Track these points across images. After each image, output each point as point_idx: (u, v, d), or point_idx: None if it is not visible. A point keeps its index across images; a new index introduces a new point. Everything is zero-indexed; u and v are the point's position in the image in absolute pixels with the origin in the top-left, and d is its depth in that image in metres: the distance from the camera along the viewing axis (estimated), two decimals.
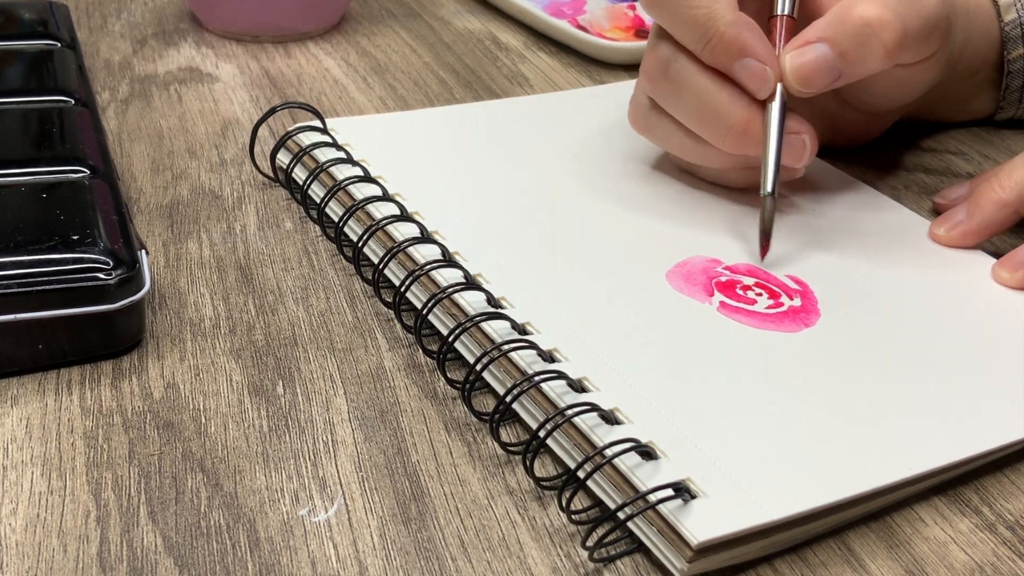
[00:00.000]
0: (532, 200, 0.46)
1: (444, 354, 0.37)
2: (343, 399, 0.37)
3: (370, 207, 0.43)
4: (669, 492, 0.31)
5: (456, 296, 0.38)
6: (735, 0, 0.42)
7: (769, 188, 0.42)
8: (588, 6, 0.67)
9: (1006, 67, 0.52)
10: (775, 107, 0.42)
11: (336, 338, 0.40)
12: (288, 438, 0.35)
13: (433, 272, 0.40)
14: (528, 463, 0.34)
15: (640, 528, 0.31)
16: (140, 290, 0.38)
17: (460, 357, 0.38)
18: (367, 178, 0.45)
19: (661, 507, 0.30)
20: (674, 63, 0.43)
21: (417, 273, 0.39)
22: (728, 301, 0.40)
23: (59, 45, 0.55)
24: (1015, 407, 0.36)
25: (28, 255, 0.37)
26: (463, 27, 0.67)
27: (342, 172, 0.45)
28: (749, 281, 0.41)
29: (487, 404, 0.37)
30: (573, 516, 0.32)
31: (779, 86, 0.42)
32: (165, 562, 0.31)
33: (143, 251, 0.39)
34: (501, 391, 0.36)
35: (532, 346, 0.36)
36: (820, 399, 0.35)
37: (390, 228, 0.42)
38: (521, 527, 0.32)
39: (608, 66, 0.62)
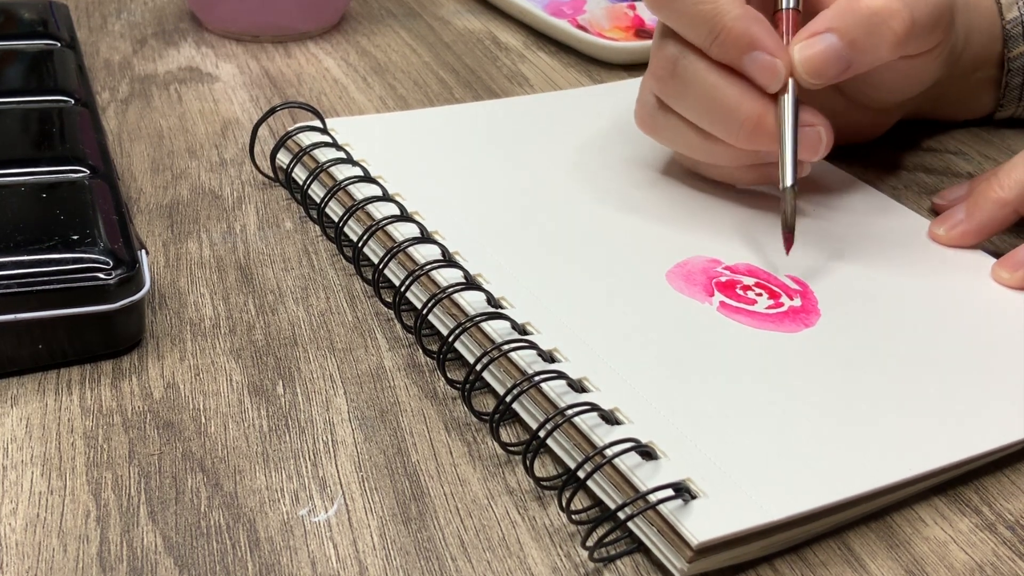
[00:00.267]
0: (532, 200, 0.46)
1: (444, 354, 0.37)
2: (343, 399, 0.37)
3: (370, 207, 0.43)
4: (669, 492, 0.31)
5: (456, 296, 0.38)
6: None
7: (789, 181, 0.41)
8: (588, 6, 0.67)
9: (1006, 65, 0.52)
10: (788, 100, 0.42)
11: (336, 338, 0.40)
12: (288, 438, 0.35)
13: (433, 272, 0.40)
14: (528, 463, 0.34)
15: (640, 528, 0.31)
16: (140, 290, 0.38)
17: (460, 357, 0.38)
18: (367, 178, 0.45)
19: (661, 507, 0.30)
20: (682, 61, 0.43)
21: (417, 273, 0.39)
22: (728, 301, 0.40)
23: (59, 45, 0.55)
24: (1015, 407, 0.36)
25: (28, 255, 0.37)
26: (463, 27, 0.67)
27: (342, 172, 0.45)
28: (749, 281, 0.41)
29: (487, 404, 0.37)
30: (573, 516, 0.32)
31: (790, 79, 0.42)
32: (165, 562, 0.31)
33: (143, 251, 0.39)
34: (501, 391, 0.36)
35: (532, 346, 0.36)
36: (820, 399, 0.35)
37: (390, 228, 0.42)
38: (521, 527, 0.32)
39: (608, 66, 0.62)
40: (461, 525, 0.32)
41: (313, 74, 0.60)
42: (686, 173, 0.48)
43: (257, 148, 0.50)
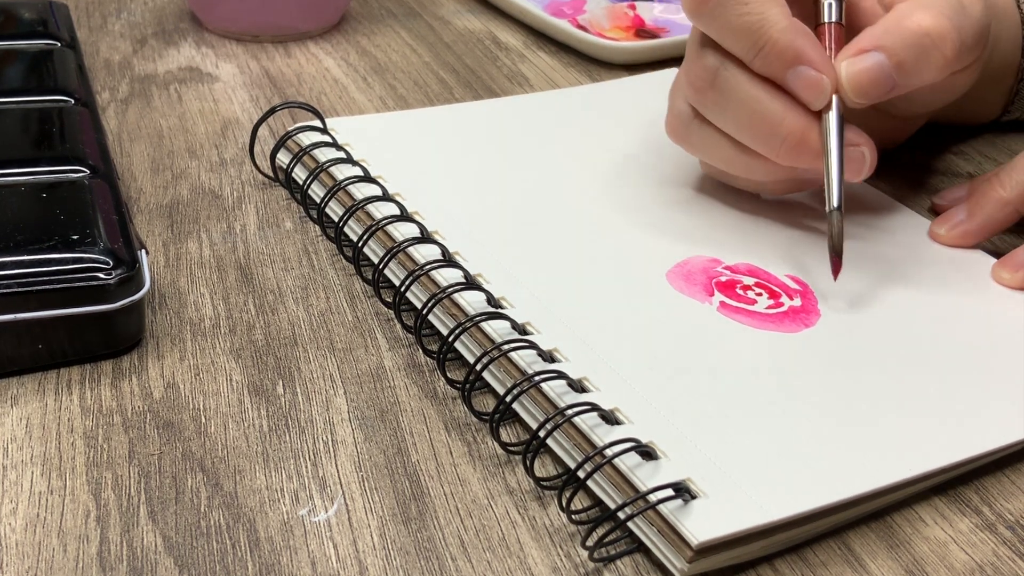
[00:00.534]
0: (532, 200, 0.46)
1: (444, 354, 0.37)
2: (343, 399, 0.37)
3: (370, 207, 0.43)
4: (669, 492, 0.31)
5: (456, 296, 0.38)
6: (787, 6, 0.40)
7: (836, 203, 0.40)
8: (588, 6, 0.67)
9: (1020, 73, 0.52)
10: (832, 117, 0.40)
11: (336, 338, 0.40)
12: (288, 438, 0.35)
13: (433, 272, 0.40)
14: (528, 463, 0.34)
15: (640, 528, 0.31)
16: (140, 290, 0.38)
17: (460, 357, 0.38)
18: (367, 178, 0.45)
19: (661, 507, 0.30)
20: (722, 72, 0.41)
21: (417, 273, 0.39)
22: (728, 301, 0.40)
23: (59, 45, 0.55)
24: (1015, 407, 0.36)
25: (28, 255, 0.37)
26: (463, 27, 0.67)
27: (342, 172, 0.45)
28: (749, 281, 0.41)
29: (487, 404, 0.37)
30: (573, 516, 0.32)
31: (834, 96, 0.40)
32: (165, 562, 0.31)
33: (143, 251, 0.39)
34: (501, 391, 0.36)
35: (532, 346, 0.36)
36: (820, 399, 0.35)
37: (390, 228, 0.42)
38: (521, 527, 0.32)
39: (608, 66, 0.62)
40: (461, 525, 0.32)
41: (313, 74, 0.60)
42: (684, 173, 0.48)
43: (257, 148, 0.50)
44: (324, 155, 0.47)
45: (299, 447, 0.35)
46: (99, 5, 0.68)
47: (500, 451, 0.35)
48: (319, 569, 0.31)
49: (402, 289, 0.39)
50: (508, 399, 0.35)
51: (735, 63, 0.41)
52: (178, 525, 0.32)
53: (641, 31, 0.65)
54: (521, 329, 0.37)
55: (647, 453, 0.32)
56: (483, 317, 0.37)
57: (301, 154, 0.47)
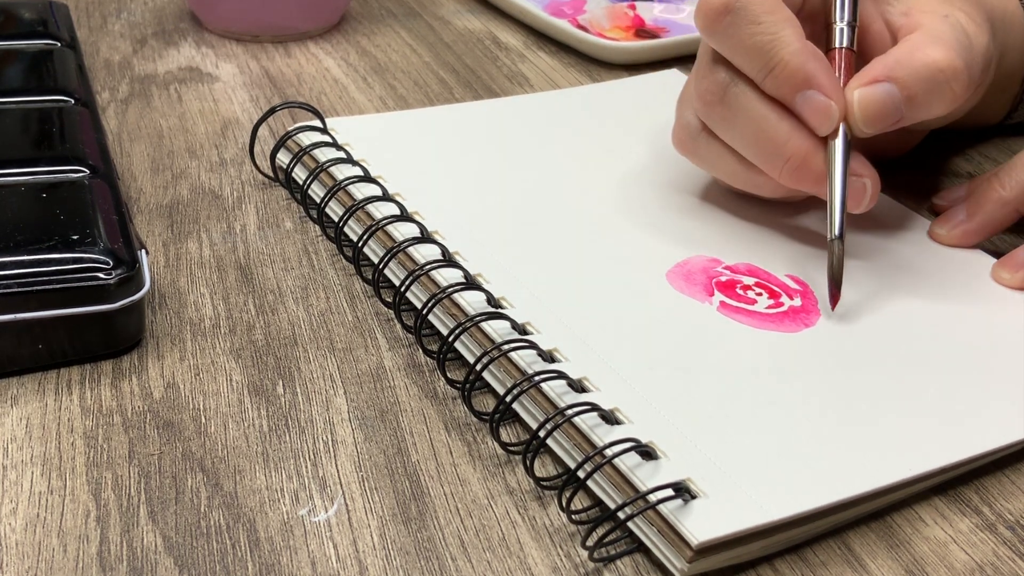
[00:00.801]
0: (532, 200, 0.46)
1: (444, 354, 0.37)
2: (343, 399, 0.37)
3: (370, 207, 0.43)
4: (669, 492, 0.31)
5: (456, 296, 0.38)
6: (800, 28, 0.40)
7: (837, 232, 0.40)
8: (588, 6, 0.67)
9: None
10: (839, 145, 0.40)
11: (336, 338, 0.40)
12: (288, 438, 0.35)
13: (433, 272, 0.40)
14: (528, 463, 0.34)
15: (640, 528, 0.31)
16: (140, 290, 0.38)
17: (460, 357, 0.38)
18: (367, 178, 0.45)
19: (661, 507, 0.30)
20: (732, 88, 0.41)
21: (417, 273, 0.39)
22: (728, 301, 0.40)
23: (59, 45, 0.55)
24: (1015, 407, 0.36)
25: (28, 255, 0.37)
26: (463, 27, 0.67)
27: (342, 172, 0.45)
28: (749, 281, 0.41)
29: (487, 404, 0.37)
30: (573, 516, 0.32)
31: (841, 124, 0.40)
32: (165, 562, 0.31)
33: (143, 251, 0.39)
34: (501, 391, 0.36)
35: (532, 346, 0.36)
36: (820, 399, 0.35)
37: (390, 228, 0.42)
38: (521, 527, 0.32)
39: (608, 66, 0.62)
40: (461, 525, 0.32)
41: (313, 74, 0.60)
42: (684, 172, 0.48)
43: (257, 148, 0.50)
44: (324, 155, 0.47)
45: (299, 447, 0.35)
46: (99, 5, 0.68)
47: (500, 451, 0.35)
48: (319, 569, 0.31)
49: (402, 289, 0.39)
50: (508, 399, 0.35)
51: (745, 80, 0.41)
52: (178, 525, 0.32)
53: (641, 31, 0.65)
54: (521, 329, 0.37)
55: (647, 453, 0.32)
56: (483, 317, 0.37)
57: (301, 154, 0.47)
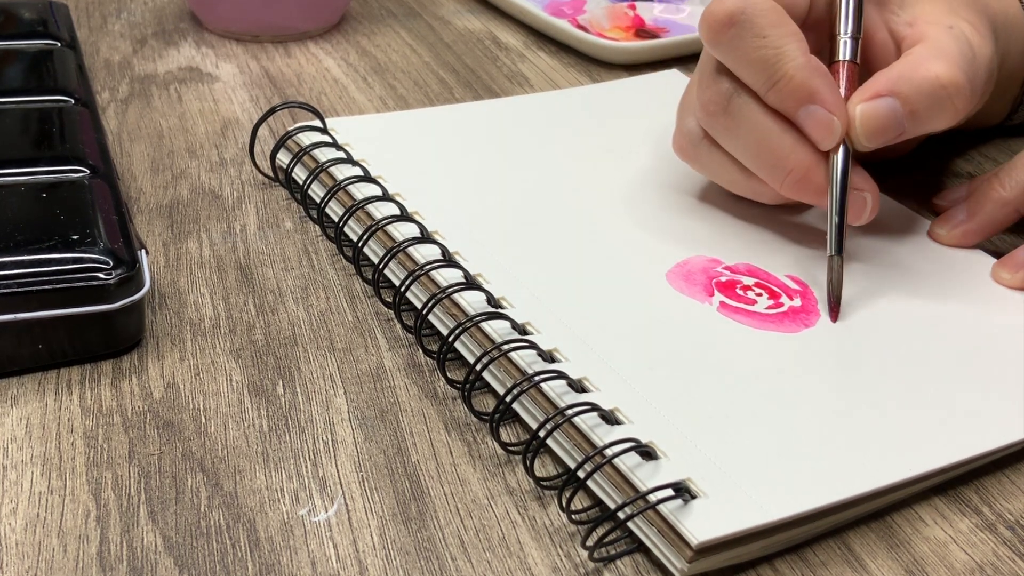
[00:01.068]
0: (532, 200, 0.46)
1: (444, 354, 0.37)
2: (343, 399, 0.37)
3: (370, 207, 0.43)
4: (669, 492, 0.31)
5: (456, 296, 0.38)
6: (805, 42, 0.40)
7: (836, 249, 0.40)
8: (588, 6, 0.67)
9: None
10: (839, 159, 0.40)
11: (336, 338, 0.40)
12: (288, 438, 0.35)
13: (433, 272, 0.40)
14: (528, 463, 0.34)
15: (640, 528, 0.31)
16: (140, 290, 0.38)
17: (460, 357, 0.38)
18: (367, 178, 0.45)
19: (661, 507, 0.30)
20: (736, 99, 0.41)
21: (417, 273, 0.39)
22: (728, 301, 0.40)
23: (59, 45, 0.55)
24: (1015, 407, 0.36)
25: (28, 255, 0.37)
26: (463, 27, 0.67)
27: (342, 172, 0.45)
28: (749, 281, 0.41)
29: (487, 404, 0.37)
30: (573, 516, 0.32)
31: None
32: (165, 562, 0.31)
33: (143, 251, 0.39)
34: (501, 391, 0.36)
35: (532, 346, 0.36)
36: (820, 399, 0.35)
37: (390, 228, 0.42)
38: (521, 527, 0.32)
39: (608, 66, 0.62)
40: (461, 525, 0.32)
41: (313, 74, 0.60)
42: (683, 172, 0.48)
43: (257, 148, 0.50)
44: (324, 155, 0.47)
45: (299, 447, 0.35)
46: (99, 5, 0.68)
47: (500, 451, 0.35)
48: (319, 569, 0.31)
49: (402, 289, 0.39)
50: (508, 399, 0.35)
51: (749, 92, 0.41)
52: (178, 525, 0.32)
53: (641, 31, 0.65)
54: (521, 329, 0.37)
55: (647, 453, 0.32)
56: (483, 317, 0.37)
57: (301, 154, 0.47)
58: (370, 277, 0.42)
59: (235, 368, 0.38)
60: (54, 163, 0.43)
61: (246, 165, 0.50)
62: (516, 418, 0.36)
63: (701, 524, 0.30)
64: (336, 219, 0.44)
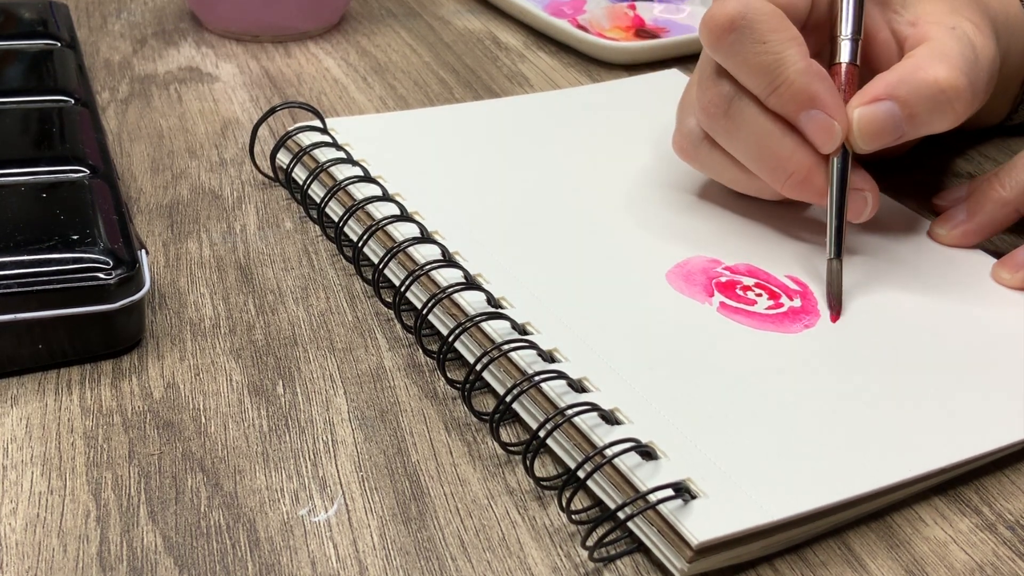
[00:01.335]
0: (532, 200, 0.46)
1: (444, 354, 0.37)
2: (343, 399, 0.37)
3: (370, 207, 0.43)
4: (669, 492, 0.31)
5: (456, 296, 0.38)
6: (805, 46, 0.40)
7: (835, 253, 0.40)
8: (588, 6, 0.67)
9: None
10: (838, 163, 0.41)
11: (336, 338, 0.40)
12: (288, 438, 0.35)
13: (433, 272, 0.40)
14: (528, 463, 0.34)
15: (640, 528, 0.31)
16: (140, 290, 0.38)
17: (460, 357, 0.38)
18: (367, 178, 0.45)
19: (661, 507, 0.30)
20: (736, 102, 0.41)
21: (417, 273, 0.39)
22: (728, 302, 0.40)
23: (59, 45, 0.55)
24: (1015, 407, 0.36)
25: (28, 255, 0.37)
26: (463, 27, 0.67)
27: (342, 172, 0.45)
28: (749, 282, 0.41)
29: (487, 404, 0.37)
30: (573, 516, 0.32)
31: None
32: (165, 562, 0.31)
33: (143, 251, 0.39)
34: (501, 391, 0.36)
35: (532, 346, 0.36)
36: (820, 399, 0.35)
37: (390, 228, 0.42)
38: (521, 527, 0.32)
39: (608, 66, 0.62)
40: (461, 525, 0.32)
41: (313, 74, 0.60)
42: (683, 172, 0.48)
43: (257, 148, 0.50)
44: (324, 155, 0.47)
45: (299, 447, 0.35)
46: (99, 5, 0.68)
47: (500, 451, 0.35)
48: (319, 569, 0.31)
49: (402, 289, 0.39)
50: (508, 399, 0.35)
51: (749, 95, 0.41)
52: (178, 525, 0.32)
53: (641, 31, 0.65)
54: (521, 329, 0.37)
55: (647, 453, 0.32)
56: (483, 317, 0.37)
57: (301, 154, 0.47)
58: (370, 277, 0.42)
59: (235, 368, 0.38)
60: (54, 163, 0.43)
61: (246, 165, 0.50)
62: (516, 418, 0.36)
63: (701, 524, 0.30)
64: (336, 219, 0.44)
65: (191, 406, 0.36)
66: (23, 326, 0.36)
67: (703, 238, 0.44)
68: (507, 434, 0.36)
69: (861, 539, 0.33)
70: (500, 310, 0.38)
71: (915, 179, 0.52)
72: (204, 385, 0.37)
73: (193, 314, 0.40)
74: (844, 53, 0.42)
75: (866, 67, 0.43)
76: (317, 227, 0.46)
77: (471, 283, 0.39)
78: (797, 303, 0.40)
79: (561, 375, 0.35)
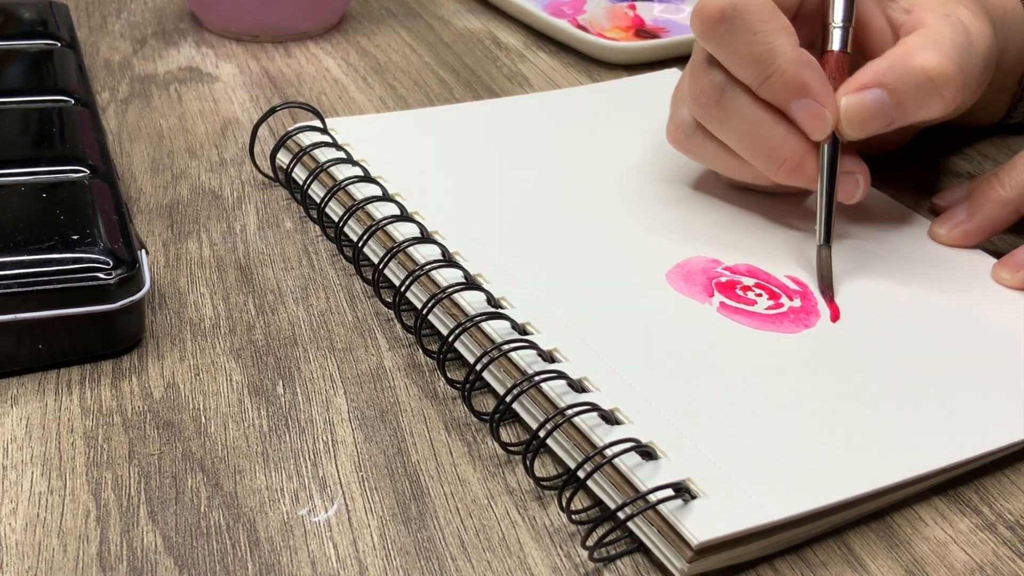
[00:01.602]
0: (532, 200, 0.46)
1: (444, 354, 0.37)
2: (343, 399, 0.37)
3: (370, 207, 0.43)
4: (669, 492, 0.31)
5: (456, 296, 0.38)
6: (796, 36, 0.41)
7: (823, 239, 0.41)
8: (588, 6, 0.67)
9: None
10: (827, 151, 0.41)
11: (336, 338, 0.40)
12: (288, 438, 0.35)
13: (433, 272, 0.40)
14: (528, 463, 0.34)
15: (640, 528, 0.31)
16: (140, 290, 0.38)
17: (460, 357, 0.38)
18: (367, 178, 0.45)
19: (661, 507, 0.30)
20: (728, 91, 0.41)
21: (417, 273, 0.39)
22: (728, 302, 0.40)
23: (59, 45, 0.55)
24: (1015, 407, 0.36)
25: (28, 255, 0.37)
26: (463, 27, 0.67)
27: (342, 172, 0.45)
28: (749, 282, 0.41)
29: (487, 404, 0.37)
30: (573, 516, 0.32)
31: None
32: (165, 562, 0.31)
33: (143, 251, 0.39)
34: (501, 391, 0.36)
35: (532, 346, 0.36)
36: (820, 399, 0.35)
37: (390, 228, 0.42)
38: (521, 527, 0.32)
39: (608, 66, 0.62)
40: (461, 525, 0.32)
41: (313, 74, 0.60)
42: (688, 174, 0.48)
43: (257, 148, 0.50)
44: (324, 155, 0.47)
45: (299, 447, 0.35)
46: (99, 5, 0.68)
47: (500, 451, 0.35)
48: (319, 569, 0.31)
49: (402, 289, 0.39)
50: (508, 399, 0.35)
51: (741, 84, 0.41)
52: (178, 525, 0.32)
53: (641, 31, 0.65)
54: (521, 329, 0.37)
55: (647, 453, 0.32)
56: (483, 317, 0.37)
57: (301, 154, 0.47)
58: (370, 277, 0.42)
59: (235, 368, 0.38)
60: (54, 163, 0.43)
61: (246, 165, 0.50)
62: (516, 418, 0.36)
63: (701, 524, 0.30)
64: (336, 219, 0.44)
65: (191, 406, 0.36)
66: (23, 326, 0.36)
67: (703, 238, 0.44)
68: (507, 434, 0.36)
69: (861, 539, 0.33)
70: (500, 310, 0.38)
71: (914, 179, 0.52)
72: (204, 385, 0.37)
73: (193, 314, 0.40)
74: (834, 41, 0.43)
75: (861, 56, 0.43)
76: (317, 227, 0.46)
77: (471, 283, 0.39)
78: (797, 303, 0.40)
79: (561, 375, 0.35)
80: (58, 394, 0.36)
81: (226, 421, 0.36)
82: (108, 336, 0.38)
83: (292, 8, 0.63)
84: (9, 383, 0.37)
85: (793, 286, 0.41)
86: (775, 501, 0.31)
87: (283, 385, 0.37)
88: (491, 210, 0.44)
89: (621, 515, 0.31)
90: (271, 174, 0.49)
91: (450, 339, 0.37)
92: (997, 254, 0.44)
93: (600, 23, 0.66)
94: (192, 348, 0.39)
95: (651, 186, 0.47)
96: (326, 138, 0.48)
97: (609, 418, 0.33)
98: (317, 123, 0.49)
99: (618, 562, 0.31)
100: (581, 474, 0.32)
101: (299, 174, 0.47)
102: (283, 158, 0.49)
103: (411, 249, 0.41)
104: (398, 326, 0.40)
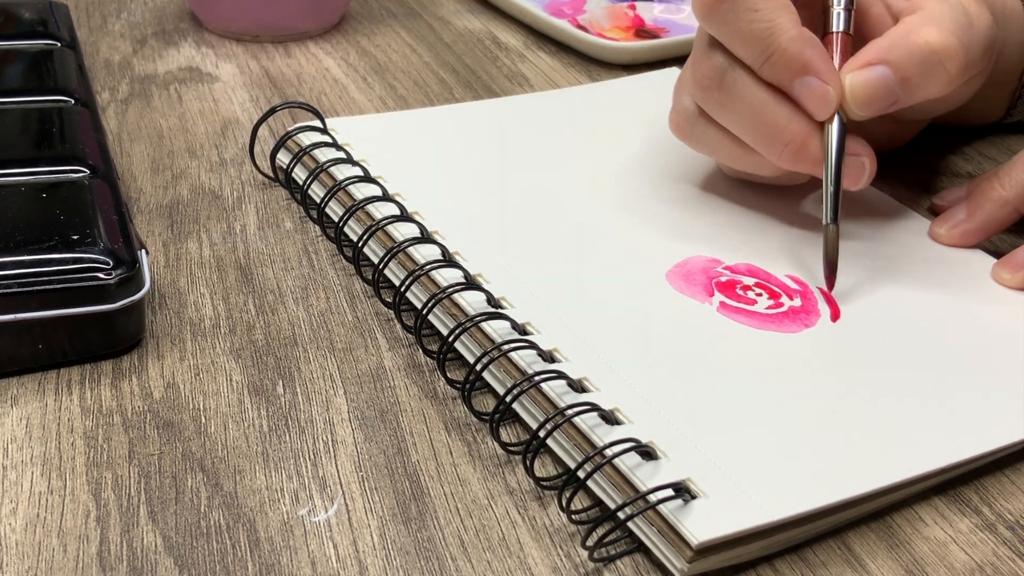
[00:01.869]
0: (532, 200, 0.46)
1: (444, 354, 0.37)
2: (343, 399, 0.37)
3: (370, 207, 0.43)
4: (669, 492, 0.31)
5: (456, 296, 0.38)
6: (797, 14, 0.40)
7: (831, 218, 0.41)
8: (588, 6, 0.67)
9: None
10: (834, 129, 0.41)
11: (336, 338, 0.40)
12: (288, 438, 0.35)
13: (433, 272, 0.40)
14: (528, 463, 0.34)
15: (640, 528, 0.31)
16: (140, 290, 0.38)
17: (460, 357, 0.38)
18: (367, 178, 0.45)
19: (661, 507, 0.30)
20: (730, 73, 0.41)
21: (417, 273, 0.39)
22: (728, 301, 0.40)
23: (59, 45, 0.55)
24: (1015, 407, 0.36)
25: (28, 255, 0.37)
26: (463, 27, 0.67)
27: (342, 172, 0.45)
28: (749, 281, 0.41)
29: (487, 404, 0.37)
30: (573, 516, 0.32)
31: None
32: (165, 562, 0.31)
33: (143, 251, 0.39)
34: (501, 391, 0.36)
35: (532, 346, 0.36)
36: (820, 399, 0.35)
37: (390, 228, 0.42)
38: (521, 527, 0.32)
39: (608, 66, 0.62)
40: (461, 525, 0.32)
41: (313, 74, 0.60)
42: (688, 173, 0.48)
43: (257, 148, 0.50)
44: (324, 155, 0.47)
45: (299, 447, 0.35)
46: (99, 5, 0.68)
47: (500, 451, 0.35)
48: (319, 569, 0.31)
49: (402, 289, 0.39)
50: (508, 399, 0.35)
51: (743, 65, 0.41)
52: (178, 525, 0.32)
53: (641, 31, 0.65)
54: (521, 329, 0.37)
55: (647, 453, 0.32)
56: (483, 317, 0.37)
57: (301, 154, 0.47)
58: (370, 277, 0.42)
59: (235, 368, 0.38)
60: (54, 163, 0.43)
61: (246, 165, 0.50)
62: (516, 418, 0.36)
63: (701, 524, 0.30)
64: (336, 219, 0.44)
65: (191, 406, 0.36)
66: (23, 326, 0.36)
67: (703, 238, 0.44)
68: (507, 434, 0.36)
69: (861, 539, 0.33)
70: (500, 310, 0.38)
71: (915, 179, 0.52)
72: (204, 385, 0.37)
73: (193, 314, 0.40)
74: (838, 23, 0.42)
75: (861, 41, 0.43)
76: (317, 227, 0.46)
77: (471, 283, 0.39)
78: (797, 303, 0.40)
79: (561, 375, 0.35)
80: (58, 394, 0.36)
81: (226, 421, 0.36)
82: (108, 336, 0.38)
83: (292, 8, 0.63)
84: (9, 383, 0.37)
85: (793, 285, 0.41)
86: (775, 501, 0.31)
87: (283, 385, 0.37)
88: (491, 210, 0.44)
89: (621, 515, 0.31)
90: (271, 174, 0.49)
91: (450, 339, 0.37)
92: (997, 254, 0.44)
93: (600, 23, 0.66)
94: (192, 348, 0.39)
95: (651, 185, 0.47)
96: (326, 138, 0.48)
97: (609, 418, 0.33)
98: (317, 123, 0.49)
99: (618, 562, 0.31)
100: (581, 474, 0.32)
101: (299, 174, 0.47)
102: (283, 158, 0.49)
103: (411, 249, 0.41)
104: (398, 326, 0.40)
